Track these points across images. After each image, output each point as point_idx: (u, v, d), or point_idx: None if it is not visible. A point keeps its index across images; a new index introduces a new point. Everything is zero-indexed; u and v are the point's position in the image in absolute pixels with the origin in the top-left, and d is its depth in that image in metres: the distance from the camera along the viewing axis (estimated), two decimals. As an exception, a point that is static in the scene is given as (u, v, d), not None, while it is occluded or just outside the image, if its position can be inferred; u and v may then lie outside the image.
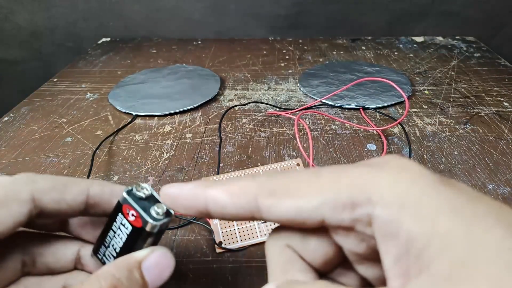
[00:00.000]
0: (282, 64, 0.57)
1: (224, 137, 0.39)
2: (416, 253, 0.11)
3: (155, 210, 0.17)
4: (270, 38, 0.69)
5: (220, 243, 0.25)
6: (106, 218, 0.19)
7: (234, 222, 0.26)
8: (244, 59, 0.59)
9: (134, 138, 0.39)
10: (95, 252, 0.19)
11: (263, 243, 0.26)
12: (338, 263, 0.15)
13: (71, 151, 0.37)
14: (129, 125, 0.42)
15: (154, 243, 0.18)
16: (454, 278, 0.10)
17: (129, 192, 0.18)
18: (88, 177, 0.33)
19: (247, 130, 0.40)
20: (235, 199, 0.14)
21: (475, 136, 0.38)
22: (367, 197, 0.12)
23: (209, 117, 0.43)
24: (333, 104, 0.44)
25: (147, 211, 0.17)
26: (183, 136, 0.39)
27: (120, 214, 0.18)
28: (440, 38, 0.67)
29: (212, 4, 0.68)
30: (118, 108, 0.45)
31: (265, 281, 0.23)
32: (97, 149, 0.37)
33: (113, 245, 0.18)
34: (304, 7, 0.67)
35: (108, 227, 0.18)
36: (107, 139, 0.39)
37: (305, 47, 0.64)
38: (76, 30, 0.72)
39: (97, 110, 0.45)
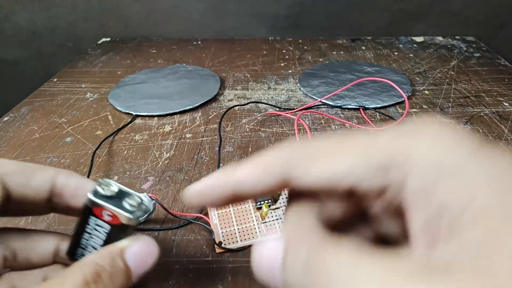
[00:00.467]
0: (282, 64, 0.57)
1: (224, 137, 0.39)
2: (448, 220, 0.11)
3: (128, 203, 0.17)
4: (270, 38, 0.69)
5: (220, 243, 0.25)
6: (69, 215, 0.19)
7: (234, 222, 0.26)
8: (244, 59, 0.59)
9: (134, 138, 0.39)
10: (72, 254, 0.19)
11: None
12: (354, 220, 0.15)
13: (71, 151, 0.37)
14: (129, 125, 0.42)
15: (133, 232, 0.18)
16: (487, 246, 0.10)
17: (96, 194, 0.17)
18: (88, 177, 0.33)
19: (247, 130, 0.40)
20: (268, 170, 0.14)
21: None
22: (402, 161, 0.12)
23: (209, 117, 0.43)
24: (333, 104, 0.44)
25: (121, 207, 0.17)
26: (183, 136, 0.39)
27: (92, 217, 0.17)
28: (440, 38, 0.67)
29: (212, 4, 0.68)
30: (118, 108, 0.45)
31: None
32: (97, 149, 0.37)
33: (91, 245, 0.18)
34: (304, 7, 0.67)
35: (80, 230, 0.18)
36: (107, 139, 0.39)
37: (305, 47, 0.64)
38: (76, 30, 0.72)
39: (97, 110, 0.45)
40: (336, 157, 0.13)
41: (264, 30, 0.71)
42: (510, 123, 0.40)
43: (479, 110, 0.43)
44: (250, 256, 0.13)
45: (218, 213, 0.27)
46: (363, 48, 0.63)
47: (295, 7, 0.68)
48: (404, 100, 0.41)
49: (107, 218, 0.17)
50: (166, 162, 0.35)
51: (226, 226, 0.26)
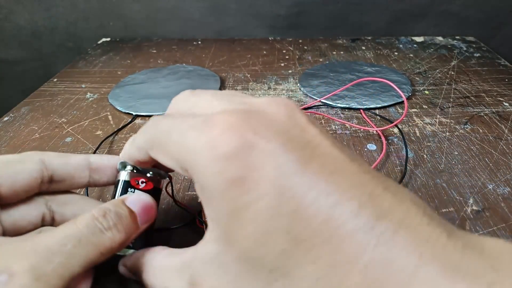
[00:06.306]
0: (282, 64, 0.57)
1: (224, 137, 0.39)
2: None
3: (154, 172, 0.22)
4: (270, 38, 0.69)
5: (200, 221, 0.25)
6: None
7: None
8: (244, 59, 0.59)
9: (134, 138, 0.39)
10: None
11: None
12: None
13: (71, 151, 0.37)
14: (129, 125, 0.42)
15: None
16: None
17: (126, 169, 0.22)
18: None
19: (247, 130, 0.40)
20: (135, 154, 0.20)
21: (475, 136, 0.38)
22: (191, 167, 0.16)
23: (209, 117, 0.43)
24: (333, 104, 0.44)
25: (152, 173, 0.22)
26: (183, 136, 0.39)
27: (129, 189, 0.21)
28: (440, 38, 0.67)
29: (212, 4, 0.68)
30: (118, 108, 0.45)
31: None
32: (97, 149, 0.37)
33: None
34: (304, 7, 0.67)
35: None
36: (107, 139, 0.39)
37: (305, 47, 0.64)
38: (76, 30, 0.72)
39: (97, 110, 0.45)
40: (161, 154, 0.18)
41: (264, 30, 0.71)
42: (510, 123, 0.40)
43: (479, 110, 0.43)
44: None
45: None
46: (363, 48, 0.63)
47: (295, 7, 0.68)
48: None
49: (142, 185, 0.21)
50: (166, 162, 0.35)
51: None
